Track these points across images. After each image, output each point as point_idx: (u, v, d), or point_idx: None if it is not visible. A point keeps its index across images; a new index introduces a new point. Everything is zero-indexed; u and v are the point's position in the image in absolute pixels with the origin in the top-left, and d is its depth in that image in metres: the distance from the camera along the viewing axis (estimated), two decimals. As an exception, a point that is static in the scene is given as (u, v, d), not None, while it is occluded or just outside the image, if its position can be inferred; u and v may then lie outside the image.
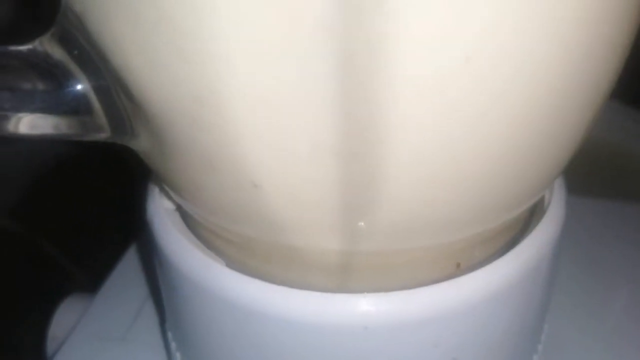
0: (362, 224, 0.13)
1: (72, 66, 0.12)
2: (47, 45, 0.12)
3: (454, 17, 0.10)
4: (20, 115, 0.12)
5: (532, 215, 0.16)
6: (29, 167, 0.28)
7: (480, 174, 0.12)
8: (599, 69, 0.12)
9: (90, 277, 0.24)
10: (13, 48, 0.12)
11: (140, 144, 0.13)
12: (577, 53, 0.11)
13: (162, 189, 0.17)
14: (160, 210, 0.16)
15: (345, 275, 0.14)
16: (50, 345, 0.21)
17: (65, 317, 0.21)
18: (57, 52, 0.12)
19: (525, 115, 0.12)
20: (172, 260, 0.15)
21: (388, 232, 0.13)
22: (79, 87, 0.12)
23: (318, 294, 0.14)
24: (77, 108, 0.12)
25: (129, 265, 0.23)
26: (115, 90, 0.12)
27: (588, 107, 0.13)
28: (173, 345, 0.18)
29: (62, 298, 0.22)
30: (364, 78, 0.10)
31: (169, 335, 0.18)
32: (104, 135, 0.12)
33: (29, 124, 0.12)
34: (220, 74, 0.10)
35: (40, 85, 0.12)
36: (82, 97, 0.12)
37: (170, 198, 0.16)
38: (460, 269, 0.15)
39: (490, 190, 0.13)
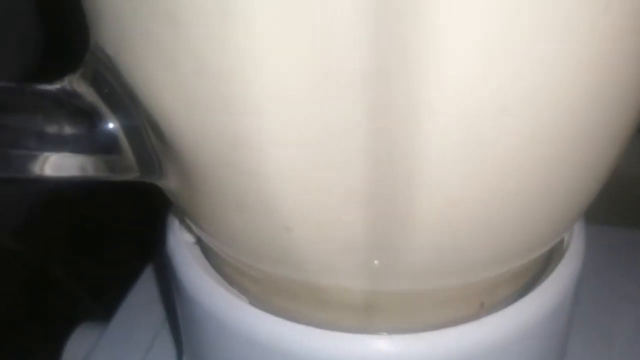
0: (389, 265, 0.13)
1: (102, 106, 0.12)
2: (76, 85, 0.12)
3: (489, 71, 0.10)
4: (47, 155, 0.12)
5: (552, 253, 0.16)
6: (41, 190, 0.28)
7: (506, 219, 0.12)
8: (625, 117, 0.12)
9: (102, 305, 0.23)
10: (42, 87, 0.12)
11: (168, 183, 0.13)
12: (603, 104, 0.11)
13: (182, 221, 0.16)
14: (182, 244, 0.16)
15: (370, 314, 0.14)
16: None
17: (78, 346, 0.21)
18: (86, 91, 0.12)
19: (552, 162, 0.12)
20: (194, 296, 0.15)
21: (414, 273, 0.13)
22: (108, 127, 0.12)
23: (342, 334, 0.14)
24: (106, 148, 0.12)
25: (142, 293, 0.22)
26: (145, 130, 0.12)
27: (611, 153, 0.13)
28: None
29: (74, 327, 0.21)
30: (397, 128, 0.10)
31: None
32: (131, 175, 0.12)
33: (55, 165, 0.12)
34: (259, 122, 0.10)
35: (69, 125, 0.12)
36: (111, 137, 0.12)
37: (190, 231, 0.16)
38: (484, 308, 0.15)
39: (516, 233, 0.13)
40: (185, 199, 0.13)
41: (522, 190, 0.12)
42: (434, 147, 0.10)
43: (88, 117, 0.12)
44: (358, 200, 0.11)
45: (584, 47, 0.10)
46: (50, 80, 0.12)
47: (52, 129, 0.12)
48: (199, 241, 0.16)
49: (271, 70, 0.10)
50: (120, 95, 0.12)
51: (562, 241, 0.17)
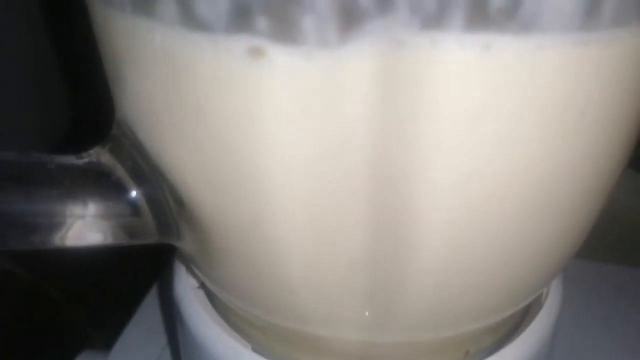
0: (385, 321, 0.14)
1: (125, 177, 0.13)
2: (101, 157, 0.13)
3: (478, 164, 0.11)
4: (69, 226, 0.12)
5: (531, 303, 0.18)
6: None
7: (493, 281, 0.14)
8: (601, 191, 0.13)
9: (103, 332, 0.24)
10: (69, 162, 0.12)
11: (184, 245, 0.14)
12: (581, 185, 0.12)
13: (187, 266, 0.17)
14: (188, 290, 0.17)
15: (365, 361, 0.15)
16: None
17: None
18: (111, 164, 0.13)
19: (535, 234, 0.13)
20: (199, 341, 0.16)
21: (408, 328, 0.14)
22: (131, 196, 0.13)
23: (338, 379, 0.15)
24: (128, 218, 0.13)
25: (143, 322, 0.23)
26: (165, 200, 0.13)
27: (587, 221, 0.14)
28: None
29: (74, 355, 0.22)
30: (395, 208, 0.11)
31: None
32: (150, 240, 0.13)
33: (77, 235, 0.12)
34: (274, 202, 0.11)
35: (93, 197, 0.12)
36: (134, 207, 0.13)
37: (195, 276, 0.17)
38: (469, 355, 0.16)
39: (501, 292, 0.14)
40: (198, 258, 0.14)
41: (507, 258, 0.13)
42: (428, 224, 0.12)
43: (112, 187, 0.13)
44: (359, 268, 0.12)
45: (563, 143, 0.11)
46: (77, 151, 0.13)
47: (77, 200, 0.12)
48: (203, 286, 0.17)
49: (287, 161, 0.11)
50: (143, 167, 0.13)
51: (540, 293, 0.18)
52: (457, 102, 0.10)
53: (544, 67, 0.11)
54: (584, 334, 0.23)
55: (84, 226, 0.12)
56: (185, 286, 0.17)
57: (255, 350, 0.15)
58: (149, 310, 0.24)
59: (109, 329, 0.23)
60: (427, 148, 0.11)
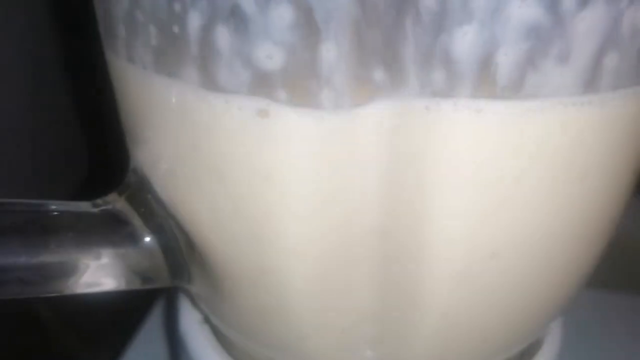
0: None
1: (140, 224, 0.13)
2: (117, 204, 0.13)
3: (481, 227, 0.11)
4: (82, 273, 0.13)
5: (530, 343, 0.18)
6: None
7: (494, 331, 0.14)
8: (600, 244, 0.14)
9: (96, 357, 0.24)
10: (84, 209, 0.13)
11: (194, 288, 0.14)
12: (581, 242, 0.13)
13: (193, 301, 0.18)
14: (193, 324, 0.17)
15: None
16: None
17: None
18: (125, 210, 0.13)
19: (535, 286, 0.13)
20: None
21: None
22: (145, 243, 0.13)
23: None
24: (142, 265, 0.13)
25: (141, 348, 0.23)
26: (178, 245, 0.13)
27: (585, 272, 0.15)
28: None
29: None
30: (402, 266, 0.12)
31: None
32: (162, 284, 0.14)
33: (90, 281, 0.13)
34: (285, 257, 0.12)
35: (107, 243, 0.13)
36: (147, 253, 0.13)
37: (200, 309, 0.18)
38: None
39: (502, 338, 0.15)
40: (208, 301, 0.15)
41: (509, 307, 0.14)
42: (433, 280, 0.12)
43: (127, 234, 0.13)
44: (368, 320, 0.13)
45: (565, 205, 0.12)
46: (92, 198, 0.13)
47: (91, 247, 0.13)
48: (207, 320, 0.18)
49: (299, 221, 0.11)
50: (157, 215, 0.13)
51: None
52: (461, 161, 0.11)
53: (544, 128, 0.11)
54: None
55: (97, 272, 0.13)
56: (191, 320, 0.17)
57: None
58: (147, 336, 0.24)
59: (103, 352, 0.23)
60: (435, 221, 0.11)
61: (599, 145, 0.11)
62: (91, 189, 0.13)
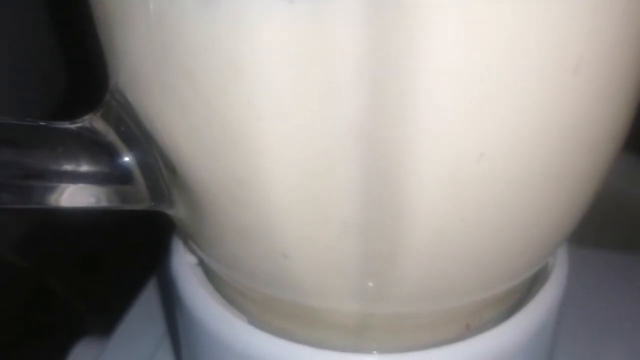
0: (380, 290, 0.14)
1: (118, 142, 0.13)
2: (95, 123, 0.13)
3: (470, 124, 0.11)
4: (64, 187, 0.13)
5: (536, 276, 0.17)
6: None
7: (490, 248, 0.13)
8: (601, 154, 0.13)
9: (103, 320, 0.24)
10: (64, 125, 0.13)
11: (176, 211, 0.14)
12: (577, 145, 0.12)
13: (185, 244, 0.17)
14: (185, 265, 0.17)
15: (361, 334, 0.15)
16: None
17: (80, 361, 0.21)
18: (104, 129, 0.13)
19: (532, 196, 0.13)
20: (195, 314, 0.16)
21: (403, 298, 0.14)
22: (123, 161, 0.13)
23: (335, 352, 0.15)
24: (120, 181, 0.13)
25: (143, 309, 0.23)
26: (157, 165, 0.13)
27: (589, 184, 0.14)
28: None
29: (75, 342, 0.22)
30: (388, 169, 0.11)
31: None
32: (143, 205, 0.13)
33: (71, 196, 0.13)
34: (263, 163, 0.11)
35: (86, 160, 0.13)
36: (126, 171, 0.13)
37: (193, 253, 0.17)
38: (469, 330, 0.16)
39: (500, 260, 0.14)
40: (191, 225, 0.14)
41: (504, 222, 0.13)
42: (421, 186, 0.12)
43: (105, 152, 0.13)
44: (352, 233, 0.12)
45: (556, 101, 0.11)
46: (71, 119, 0.13)
47: (70, 163, 0.13)
48: (201, 262, 0.17)
49: (276, 120, 0.11)
50: (136, 133, 0.13)
51: (546, 264, 0.18)
52: (445, 48, 0.10)
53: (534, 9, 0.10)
54: (589, 321, 0.23)
55: (78, 189, 0.13)
56: (182, 261, 0.17)
57: (250, 323, 0.15)
58: (150, 298, 0.24)
59: (109, 317, 0.23)
60: (420, 117, 0.11)
61: (593, 31, 0.11)
62: (69, 113, 0.13)
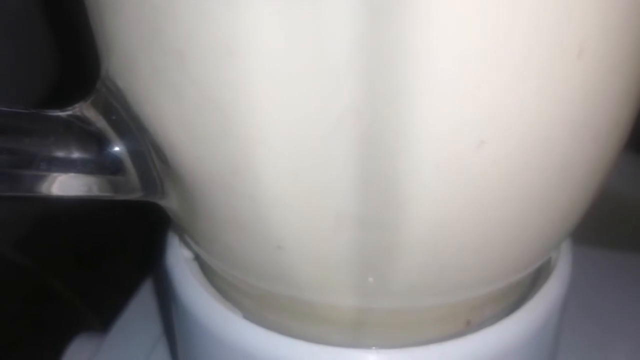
0: (378, 284, 0.13)
1: (109, 131, 0.12)
2: (86, 111, 0.13)
3: (469, 108, 0.10)
4: (56, 176, 0.12)
5: (539, 273, 0.17)
6: (42, 203, 0.29)
7: (491, 241, 0.13)
8: (606, 143, 0.13)
9: (100, 317, 0.24)
10: (54, 113, 0.12)
11: (169, 202, 0.14)
12: (582, 134, 0.12)
13: (181, 238, 0.17)
14: (180, 260, 0.16)
15: (359, 330, 0.15)
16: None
17: (76, 357, 0.21)
18: (95, 117, 0.13)
19: (534, 187, 0.12)
20: (190, 309, 0.16)
21: (401, 292, 0.14)
22: (114, 150, 0.13)
23: (332, 348, 0.14)
24: (111, 170, 0.12)
25: (141, 305, 0.23)
26: (149, 154, 0.13)
27: (594, 176, 0.14)
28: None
29: (71, 337, 0.22)
30: (385, 158, 0.11)
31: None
32: (135, 195, 0.13)
33: (62, 185, 0.12)
34: (257, 152, 0.11)
35: (77, 148, 0.12)
36: (117, 160, 0.13)
37: (189, 247, 0.17)
38: (470, 326, 0.15)
39: (501, 254, 0.13)
40: (184, 217, 0.14)
41: (505, 212, 0.12)
42: (420, 176, 0.11)
43: (96, 141, 0.12)
44: (348, 224, 0.12)
45: (560, 86, 0.11)
46: (62, 107, 0.13)
47: (61, 151, 0.12)
48: (197, 257, 0.17)
49: (269, 105, 0.10)
50: (127, 121, 0.12)
51: (549, 260, 0.17)
52: (444, 23, 0.10)
53: None
54: (593, 319, 0.22)
55: (69, 178, 0.12)
56: (177, 256, 0.17)
57: (245, 317, 0.15)
58: (147, 294, 0.24)
59: (106, 313, 0.23)
60: (417, 101, 0.10)
61: (597, 13, 0.10)
62: (60, 101, 0.13)
